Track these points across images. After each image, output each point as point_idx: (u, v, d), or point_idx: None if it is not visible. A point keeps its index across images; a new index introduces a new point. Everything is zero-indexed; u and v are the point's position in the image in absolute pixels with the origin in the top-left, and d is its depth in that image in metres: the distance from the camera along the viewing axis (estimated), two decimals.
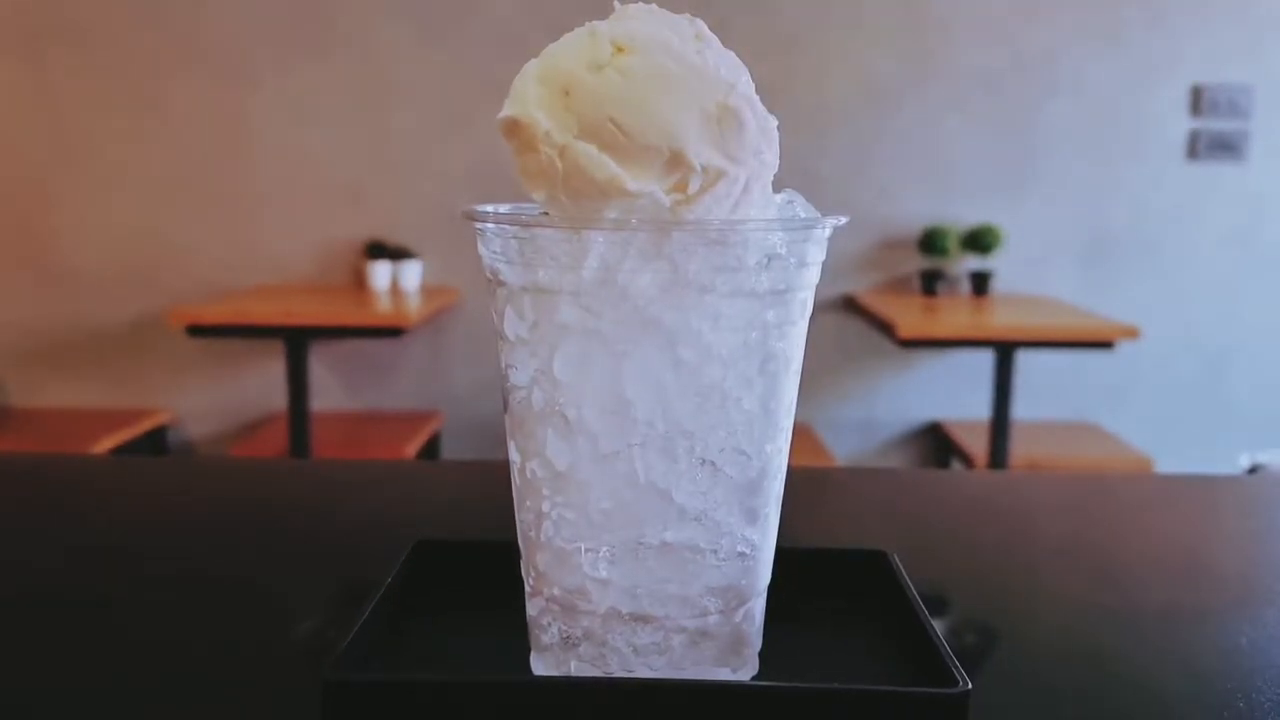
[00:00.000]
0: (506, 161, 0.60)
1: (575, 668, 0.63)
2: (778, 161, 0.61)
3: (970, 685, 0.58)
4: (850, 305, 4.28)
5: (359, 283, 4.28)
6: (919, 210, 4.29)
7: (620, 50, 0.58)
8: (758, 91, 0.60)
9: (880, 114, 4.23)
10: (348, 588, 0.83)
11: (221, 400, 4.38)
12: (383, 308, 3.85)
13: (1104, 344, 3.52)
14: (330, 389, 4.36)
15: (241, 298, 3.96)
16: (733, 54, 0.61)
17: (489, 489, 1.05)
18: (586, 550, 0.61)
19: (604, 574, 0.61)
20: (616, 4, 0.61)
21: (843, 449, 4.39)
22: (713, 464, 0.60)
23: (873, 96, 4.20)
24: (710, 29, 0.61)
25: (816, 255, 0.62)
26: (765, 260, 0.59)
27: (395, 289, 4.18)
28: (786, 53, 4.08)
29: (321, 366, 4.32)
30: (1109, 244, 4.32)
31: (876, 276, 4.36)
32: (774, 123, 0.60)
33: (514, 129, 0.59)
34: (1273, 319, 4.38)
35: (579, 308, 0.58)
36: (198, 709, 0.63)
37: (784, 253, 0.59)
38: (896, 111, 4.23)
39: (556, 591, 0.63)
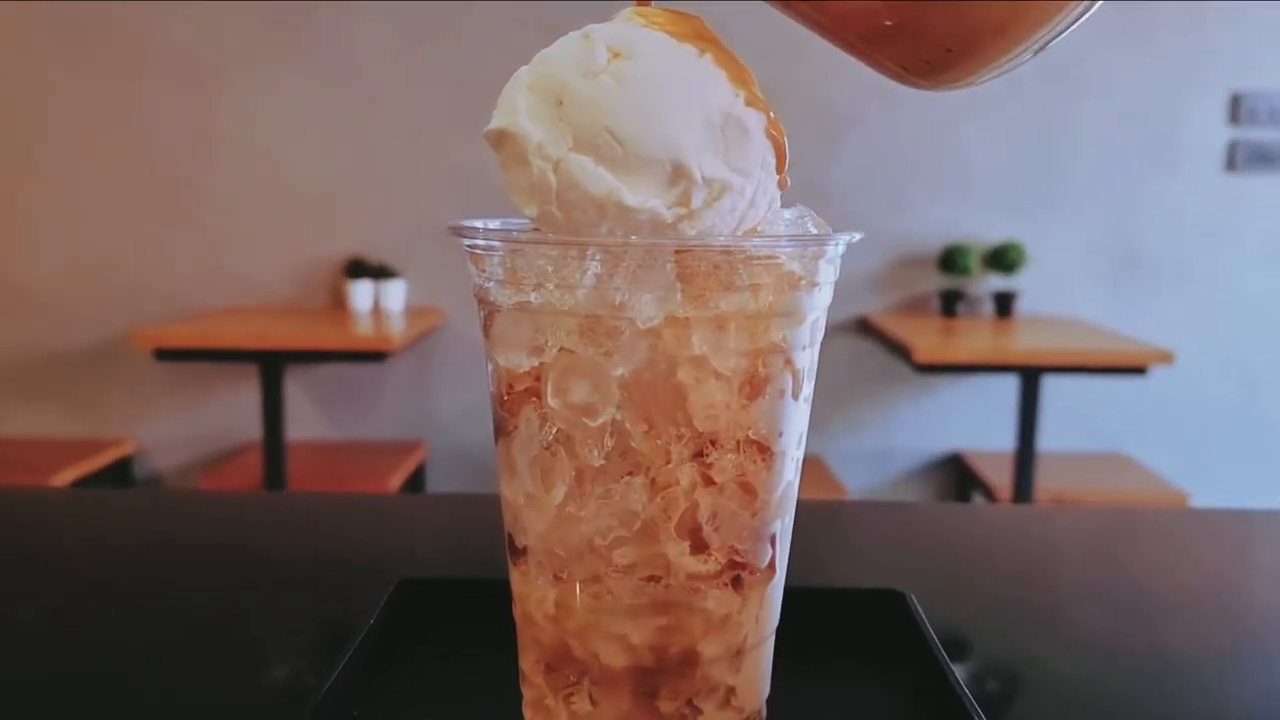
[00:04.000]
0: (496, 174, 0.60)
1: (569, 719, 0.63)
2: (785, 170, 0.62)
3: None
4: (864, 328, 4.29)
5: (338, 303, 4.28)
6: (938, 226, 4.30)
7: (616, 55, 0.58)
8: (764, 95, 0.61)
9: (895, 120, 4.24)
10: (327, 629, 0.83)
11: (191, 429, 4.38)
12: (363, 330, 3.85)
13: (1136, 369, 3.52)
14: (307, 417, 4.36)
15: (212, 319, 3.96)
16: (738, 57, 0.61)
17: (477, 524, 1.05)
18: (581, 589, 0.61)
19: (599, 615, 0.61)
20: (628, 8, 0.61)
21: (856, 481, 4.38)
22: (717, 496, 0.60)
23: (887, 101, 4.21)
24: (712, 28, 0.62)
25: (828, 274, 0.62)
26: (773, 279, 0.59)
27: (377, 310, 4.19)
28: (792, 53, 4.08)
29: (298, 393, 4.32)
30: (1141, 262, 4.32)
31: (892, 297, 4.36)
32: (783, 131, 0.61)
33: (503, 141, 0.60)
34: None
35: (574, 330, 0.59)
36: None
37: (794, 271, 0.60)
38: (913, 117, 4.24)
39: (550, 636, 0.63)
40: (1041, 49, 0.59)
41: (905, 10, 0.56)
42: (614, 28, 0.60)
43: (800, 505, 0.67)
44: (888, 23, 0.57)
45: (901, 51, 0.59)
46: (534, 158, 0.58)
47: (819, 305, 0.63)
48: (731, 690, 0.64)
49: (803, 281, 0.60)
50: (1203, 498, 4.08)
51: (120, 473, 4.23)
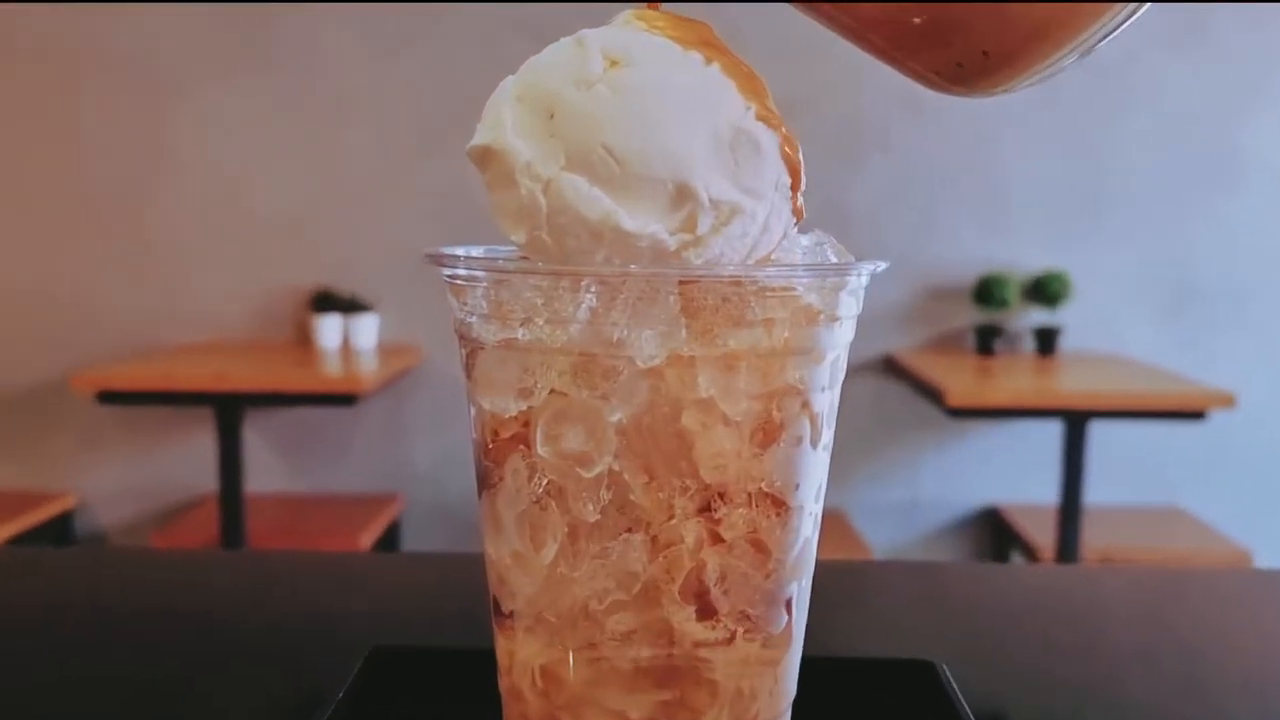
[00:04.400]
0: (480, 195, 0.61)
1: None
2: (803, 191, 0.62)
3: None
4: (890, 367, 4.29)
5: (303, 340, 4.28)
6: (972, 253, 4.30)
7: (614, 63, 0.58)
8: (778, 109, 0.61)
9: (924, 136, 4.26)
10: (291, 703, 0.83)
11: (139, 480, 4.37)
12: (332, 370, 3.85)
13: (1193, 413, 3.52)
14: (269, 467, 4.36)
15: (162, 358, 3.96)
16: (750, 66, 0.61)
17: (459, 586, 1.05)
18: (575, 659, 0.61)
19: (594, 688, 0.61)
20: (627, 10, 0.62)
21: (881, 538, 4.37)
22: (726, 555, 0.60)
23: (914, 114, 4.23)
24: (721, 35, 0.62)
25: (850, 307, 0.63)
26: (789, 314, 0.59)
27: (347, 348, 4.19)
28: (810, 61, 4.10)
29: (259, 440, 4.32)
30: (1198, 293, 4.32)
31: (922, 333, 4.36)
32: (798, 148, 0.61)
33: (488, 159, 0.60)
34: None
35: (566, 370, 0.59)
36: None
37: (811, 304, 0.60)
38: (943, 132, 4.25)
39: (539, 711, 0.63)
40: (1087, 52, 0.59)
41: (938, 11, 0.57)
42: (611, 33, 0.60)
43: (819, 565, 0.67)
44: (919, 25, 0.57)
45: (934, 56, 0.59)
46: (522, 177, 0.58)
47: (839, 342, 0.63)
48: None
49: (821, 316, 0.60)
50: (1267, 556, 4.07)
51: (61, 529, 4.22)
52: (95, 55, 4.21)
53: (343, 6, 4.20)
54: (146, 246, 4.28)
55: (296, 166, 4.26)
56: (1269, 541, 4.15)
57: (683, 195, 0.58)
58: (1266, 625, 1.09)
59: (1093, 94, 4.21)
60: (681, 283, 0.57)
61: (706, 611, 0.60)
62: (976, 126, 4.25)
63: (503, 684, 0.65)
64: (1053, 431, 3.96)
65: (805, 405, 0.61)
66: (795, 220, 0.62)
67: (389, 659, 0.76)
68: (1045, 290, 4.18)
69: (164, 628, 0.99)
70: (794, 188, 0.61)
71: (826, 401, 0.63)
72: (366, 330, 4.21)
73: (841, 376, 0.64)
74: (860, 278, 0.62)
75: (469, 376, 0.63)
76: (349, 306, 4.22)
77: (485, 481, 0.63)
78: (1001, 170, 4.27)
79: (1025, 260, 4.28)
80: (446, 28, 4.20)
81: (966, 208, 4.29)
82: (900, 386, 4.28)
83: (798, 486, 0.62)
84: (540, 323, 0.58)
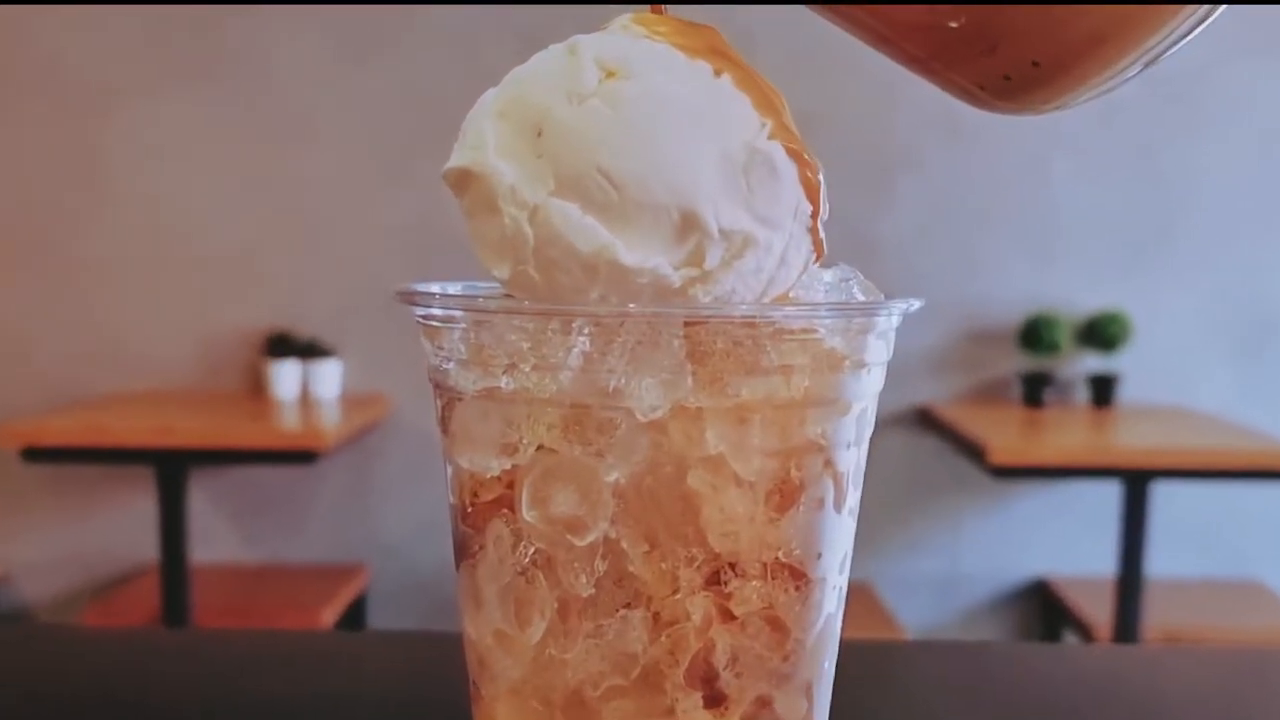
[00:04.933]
0: (457, 225, 0.61)
1: None
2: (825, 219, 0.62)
3: None
4: (925, 420, 4.29)
5: (256, 390, 4.28)
6: (1018, 291, 4.31)
7: (611, 74, 0.59)
8: (797, 126, 0.61)
9: (963, 157, 4.27)
10: None
11: (71, 548, 4.36)
12: (288, 423, 3.84)
13: (1269, 473, 3.51)
14: (218, 533, 4.35)
15: (96, 410, 3.96)
16: (762, 77, 0.61)
17: (432, 670, 1.05)
18: None
19: None
20: (626, 14, 0.62)
21: (915, 616, 4.36)
22: (738, 634, 0.60)
23: (953, 133, 4.24)
24: (732, 42, 0.62)
25: (879, 352, 0.63)
26: (810, 359, 0.59)
27: (305, 398, 4.19)
28: (833, 73, 4.11)
29: (206, 503, 4.31)
30: (1275, 336, 4.33)
31: (961, 381, 4.37)
32: (819, 171, 0.61)
33: (466, 183, 0.60)
34: None
35: (556, 424, 0.59)
36: None
37: (835, 349, 0.60)
38: (985, 153, 4.26)
39: None
40: (1152, 61, 0.59)
41: (981, 14, 0.56)
42: (608, 39, 0.60)
43: (844, 645, 0.67)
44: (959, 30, 0.57)
45: (977, 66, 0.59)
46: (505, 204, 0.59)
47: (867, 392, 0.63)
48: None
49: (847, 362, 0.60)
50: None
51: None
52: (16, 65, 4.22)
53: (299, 9, 4.20)
54: (76, 283, 4.28)
55: (247, 191, 4.27)
56: None
57: (688, 224, 0.58)
58: None
59: (1157, 108, 4.21)
60: (687, 324, 0.57)
61: (716, 698, 0.60)
62: (1023, 146, 4.26)
63: None
64: (1110, 493, 3.95)
65: (828, 463, 0.61)
66: (816, 253, 0.62)
67: None
68: (1101, 333, 4.19)
69: (99, 715, 0.98)
70: (815, 216, 0.61)
71: (852, 459, 0.63)
72: (328, 378, 4.21)
73: (869, 431, 0.64)
74: (890, 318, 0.62)
75: (445, 431, 0.63)
76: (308, 351, 4.22)
77: (464, 551, 0.63)
78: (1051, 196, 4.28)
79: (1079, 299, 4.28)
80: (419, 33, 4.22)
81: (1011, 238, 4.30)
82: (936, 442, 4.28)
83: (819, 556, 0.62)
84: (526, 370, 0.59)
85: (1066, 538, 4.35)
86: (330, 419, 3.88)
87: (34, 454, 3.58)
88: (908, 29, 0.59)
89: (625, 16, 0.62)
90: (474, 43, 4.15)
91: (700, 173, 0.58)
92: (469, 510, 0.62)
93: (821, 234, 0.62)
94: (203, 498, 4.29)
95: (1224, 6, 0.57)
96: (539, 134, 0.58)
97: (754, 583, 0.59)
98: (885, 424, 4.07)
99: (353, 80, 4.23)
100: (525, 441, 0.59)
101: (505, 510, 0.60)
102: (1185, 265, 4.30)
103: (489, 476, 0.61)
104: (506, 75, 0.61)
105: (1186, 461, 3.57)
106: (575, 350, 0.57)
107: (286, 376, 4.18)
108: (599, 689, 0.59)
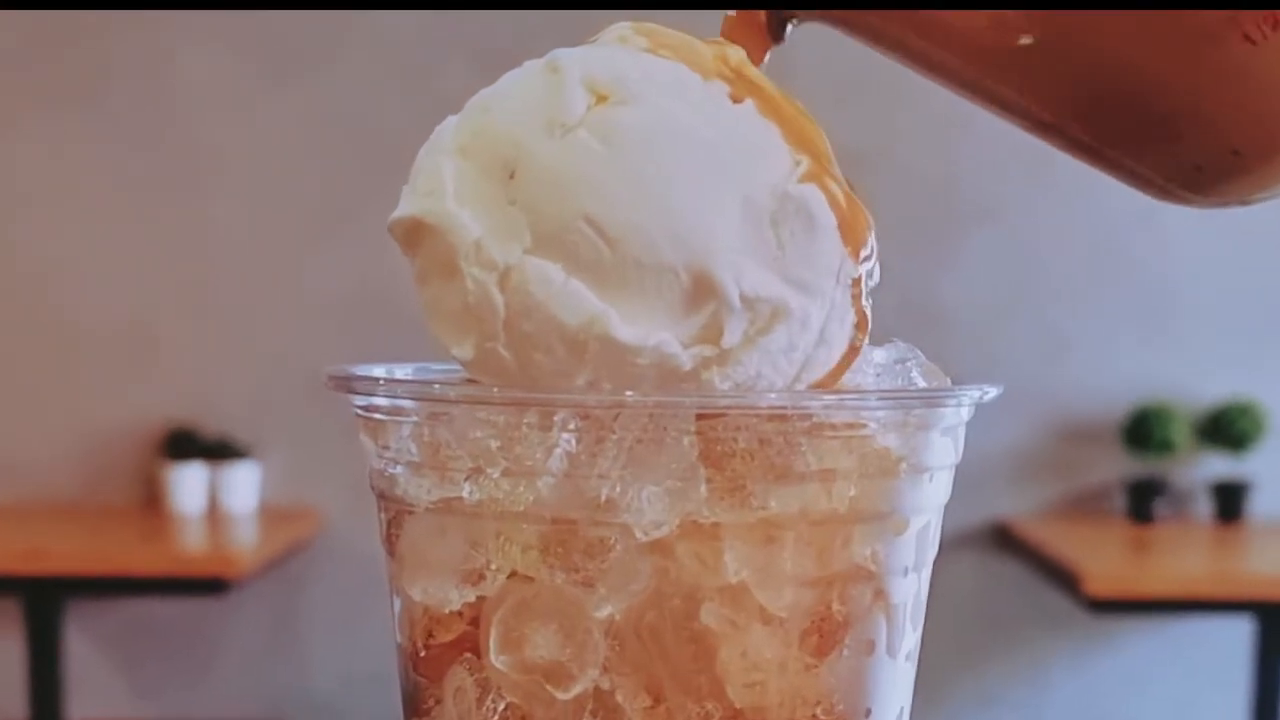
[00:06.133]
0: (407, 290, 0.61)
1: None
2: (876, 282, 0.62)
3: None
4: (1003, 539, 4.28)
5: (151, 502, 4.28)
6: (1121, 375, 4.31)
7: (602, 98, 0.59)
8: (841, 165, 0.61)
9: (1046, 207, 4.28)
10: None
11: None
12: (192, 544, 3.84)
13: None
14: (102, 683, 4.33)
15: None
16: (797, 103, 0.62)
17: None
18: None
19: None
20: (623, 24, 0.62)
21: None
22: None
23: (1037, 173, 4.23)
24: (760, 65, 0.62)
25: (945, 453, 0.63)
26: (856, 462, 0.59)
27: (213, 512, 4.18)
28: (886, 101, 4.12)
29: (87, 645, 4.30)
30: None
31: (1049, 490, 4.36)
32: (869, 222, 0.61)
33: (419, 237, 0.60)
34: None
35: (533, 544, 0.58)
36: None
37: (888, 448, 0.60)
38: (1080, 200, 4.26)
39: None
40: None
41: (1183, 93, 0.56)
42: (599, 55, 0.61)
43: None
44: (1155, 114, 0.57)
45: (1161, 155, 0.59)
46: (469, 265, 0.59)
47: (929, 504, 0.63)
48: None
49: (903, 465, 0.60)
50: None
51: None
52: None
53: (205, 18, 4.21)
54: None
55: (137, 248, 4.27)
56: None
57: (702, 290, 0.58)
58: None
59: None
60: (700, 417, 0.57)
61: None
62: (1129, 191, 4.25)
63: None
64: (1239, 633, 3.94)
65: (880, 594, 0.61)
66: (863, 327, 0.62)
67: None
68: (1228, 428, 4.18)
69: None
70: (862, 280, 0.61)
71: (910, 589, 0.63)
72: (242, 486, 4.21)
73: (933, 553, 0.64)
74: (959, 410, 0.62)
75: (392, 553, 0.63)
76: (216, 452, 4.21)
77: (415, 706, 0.63)
78: (1164, 257, 4.29)
79: (1199, 386, 4.29)
80: (355, 48, 4.23)
81: (1114, 309, 4.31)
82: (1018, 568, 4.27)
83: (869, 713, 0.62)
84: (495, 475, 0.58)
85: (1183, 688, 4.34)
86: (245, 538, 3.88)
87: None
88: (1074, 111, 0.60)
89: (623, 25, 0.62)
90: (427, 60, 4.16)
91: (717, 224, 0.57)
92: (422, 654, 0.62)
93: (869, 302, 0.62)
94: (83, 638, 4.28)
95: None
96: (511, 175, 0.58)
97: None
98: (953, 544, 4.06)
99: (273, 107, 4.25)
100: (494, 567, 0.59)
101: (468, 654, 0.60)
102: None
103: (448, 611, 0.61)
104: (470, 100, 0.61)
105: None
106: (557, 450, 0.57)
107: (189, 485, 4.18)
108: None
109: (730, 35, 0.65)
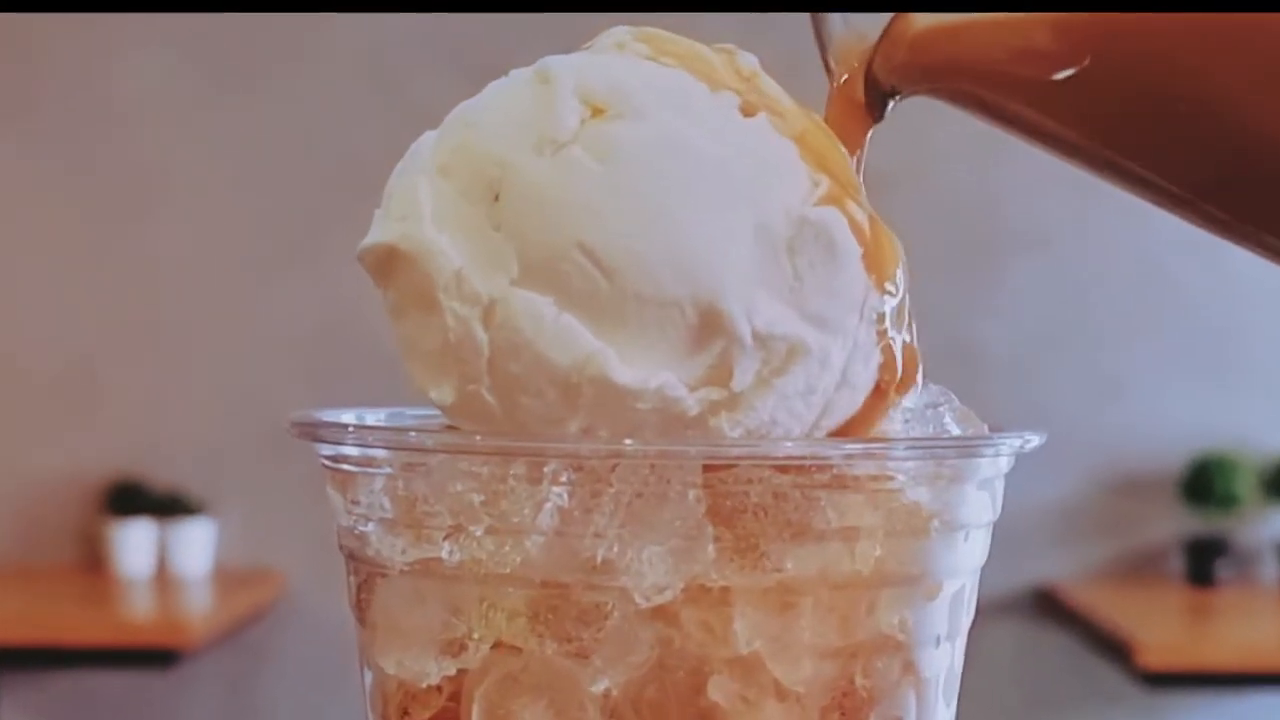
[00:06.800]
0: (379, 326, 0.61)
1: None
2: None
3: None
4: (1048, 605, 4.28)
5: (92, 563, 4.27)
6: (1179, 422, 4.31)
7: (598, 111, 0.58)
8: (867, 187, 0.61)
9: (1101, 231, 4.28)
10: None
11: None
12: (139, 610, 3.84)
13: None
14: None
15: None
16: (816, 116, 0.62)
17: None
18: None
19: None
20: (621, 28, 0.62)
21: None
22: None
23: (1085, 196, 4.23)
24: (775, 77, 0.62)
25: (981, 509, 0.63)
26: (883, 519, 0.59)
27: (163, 575, 4.18)
28: (917, 116, 4.08)
29: None
30: None
31: (1098, 550, 4.36)
32: (899, 250, 0.61)
33: (393, 266, 0.60)
34: None
35: (521, 610, 0.58)
36: None
37: (918, 503, 0.60)
38: (1134, 226, 4.26)
39: None
40: None
41: None
42: (594, 63, 0.60)
43: None
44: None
45: None
46: (449, 298, 0.58)
47: (964, 565, 0.63)
48: None
49: (935, 522, 0.60)
50: None
51: None
52: None
53: (149, 21, 4.20)
54: None
55: (74, 283, 4.28)
56: None
57: (710, 326, 0.57)
58: None
59: None
60: (707, 468, 0.57)
61: None
62: (1182, 228, 4.25)
63: None
64: None
65: (909, 667, 0.61)
66: (891, 368, 0.62)
67: None
68: None
69: None
70: (891, 316, 0.61)
71: (943, 661, 0.63)
72: (194, 546, 4.20)
73: (968, 621, 0.64)
74: (997, 460, 0.62)
75: (362, 621, 0.63)
76: (166, 508, 4.21)
77: None
78: (1227, 290, 4.29)
79: (1266, 434, 4.29)
80: (319, 55, 4.22)
81: (1171, 347, 4.31)
82: (1064, 637, 4.27)
83: None
84: (478, 534, 0.58)
85: None
86: (197, 604, 3.88)
87: None
88: (1209, 188, 0.60)
89: (621, 30, 0.62)
90: (402, 68, 4.16)
91: (726, 252, 0.57)
92: None
93: (900, 340, 0.62)
94: (16, 715, 4.28)
95: None
96: (496, 198, 0.58)
97: None
98: (991, 611, 4.06)
99: (225, 121, 4.25)
100: (477, 636, 0.59)
101: None
102: None
103: (425, 686, 0.60)
104: (450, 114, 0.61)
105: None
106: (548, 506, 0.57)
107: (135, 544, 4.17)
108: None
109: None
